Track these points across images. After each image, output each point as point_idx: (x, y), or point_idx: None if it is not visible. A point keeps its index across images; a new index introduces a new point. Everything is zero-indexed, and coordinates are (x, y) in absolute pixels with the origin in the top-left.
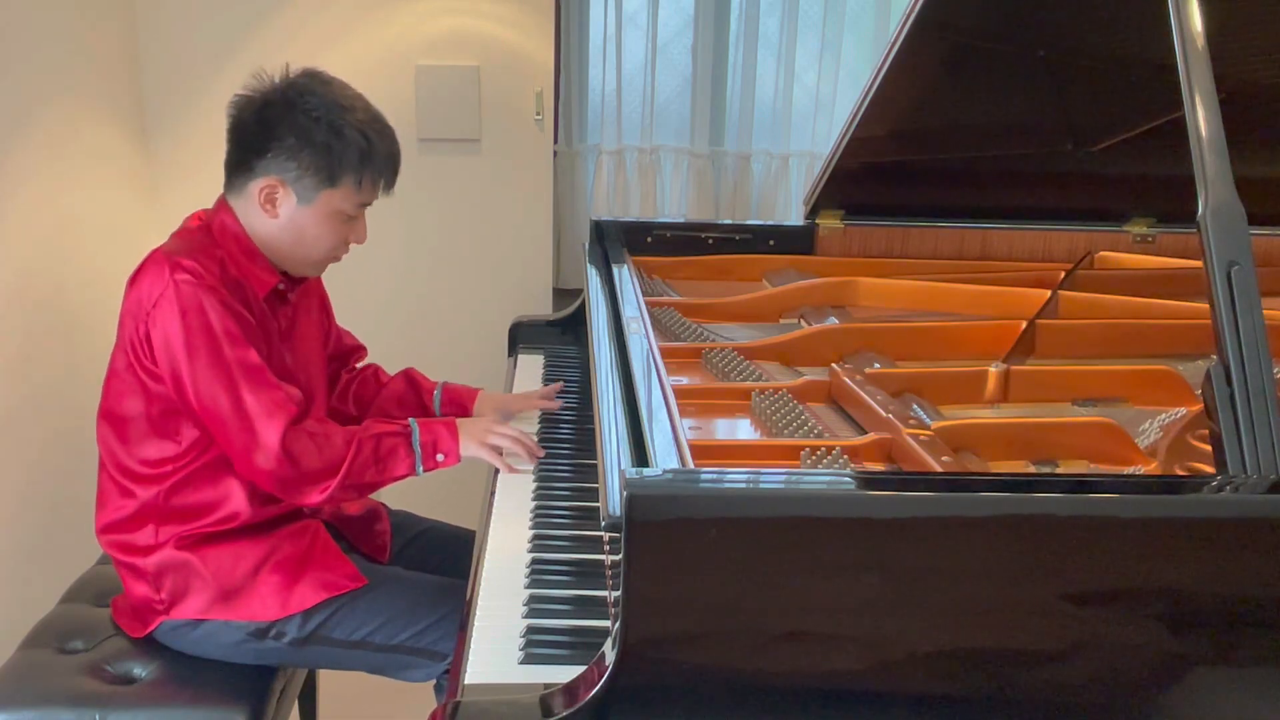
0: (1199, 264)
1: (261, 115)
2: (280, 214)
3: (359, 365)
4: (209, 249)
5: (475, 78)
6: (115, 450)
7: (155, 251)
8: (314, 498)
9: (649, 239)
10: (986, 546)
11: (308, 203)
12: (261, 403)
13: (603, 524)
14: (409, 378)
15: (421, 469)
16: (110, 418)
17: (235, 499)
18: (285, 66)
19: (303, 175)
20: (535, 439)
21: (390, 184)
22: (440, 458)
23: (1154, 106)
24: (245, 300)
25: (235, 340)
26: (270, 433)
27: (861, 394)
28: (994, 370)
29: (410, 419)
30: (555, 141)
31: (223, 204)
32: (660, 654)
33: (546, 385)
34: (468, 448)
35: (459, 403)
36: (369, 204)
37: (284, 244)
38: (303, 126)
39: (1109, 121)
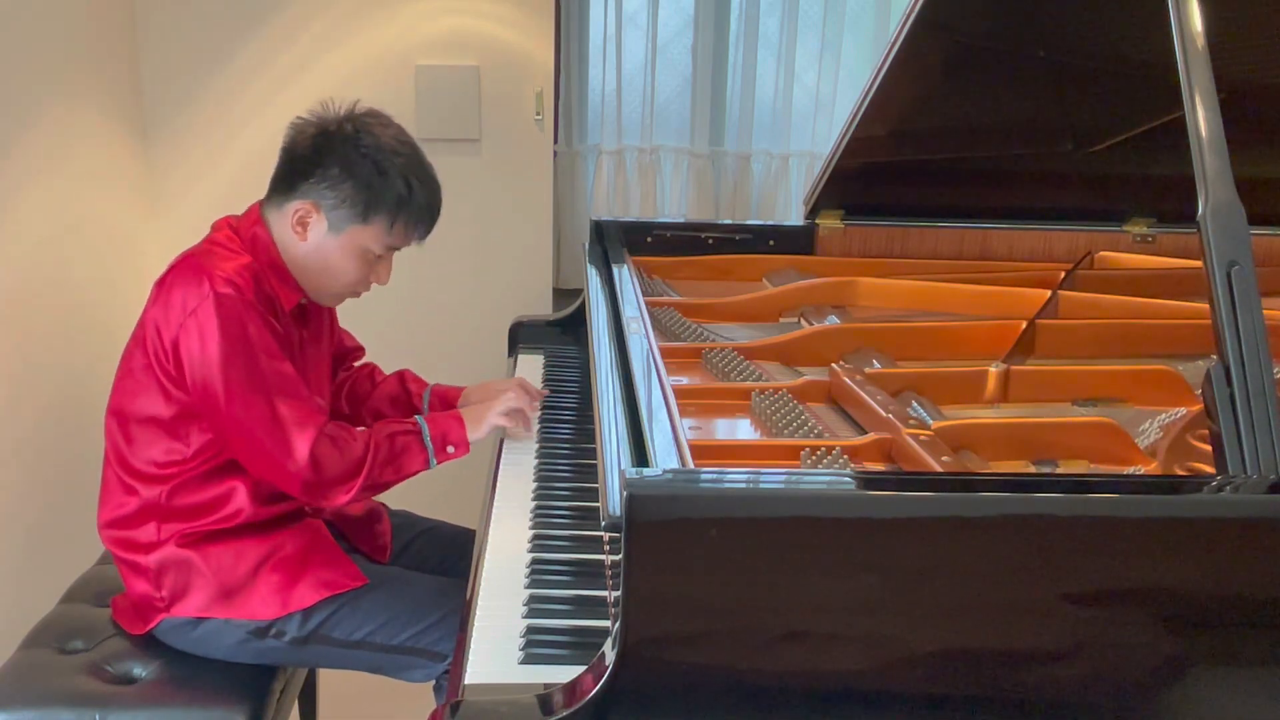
0: (1199, 264)
1: (316, 142)
2: (309, 238)
3: (355, 365)
4: (244, 261)
5: (475, 78)
6: (121, 448)
7: (190, 258)
8: (340, 499)
9: (649, 239)
10: (986, 546)
11: (337, 233)
12: (295, 413)
13: (603, 524)
14: (402, 379)
15: (435, 462)
16: (120, 415)
17: (238, 498)
18: (354, 103)
19: (338, 206)
20: (535, 450)
21: (424, 234)
22: (450, 450)
23: (1154, 106)
24: (276, 314)
25: (272, 353)
26: (302, 442)
27: (861, 394)
28: (994, 370)
29: (418, 416)
30: (555, 141)
31: (257, 215)
32: (660, 654)
33: (546, 385)
34: (475, 432)
35: (447, 403)
36: (398, 249)
37: (309, 269)
38: (350, 160)
39: (1109, 121)
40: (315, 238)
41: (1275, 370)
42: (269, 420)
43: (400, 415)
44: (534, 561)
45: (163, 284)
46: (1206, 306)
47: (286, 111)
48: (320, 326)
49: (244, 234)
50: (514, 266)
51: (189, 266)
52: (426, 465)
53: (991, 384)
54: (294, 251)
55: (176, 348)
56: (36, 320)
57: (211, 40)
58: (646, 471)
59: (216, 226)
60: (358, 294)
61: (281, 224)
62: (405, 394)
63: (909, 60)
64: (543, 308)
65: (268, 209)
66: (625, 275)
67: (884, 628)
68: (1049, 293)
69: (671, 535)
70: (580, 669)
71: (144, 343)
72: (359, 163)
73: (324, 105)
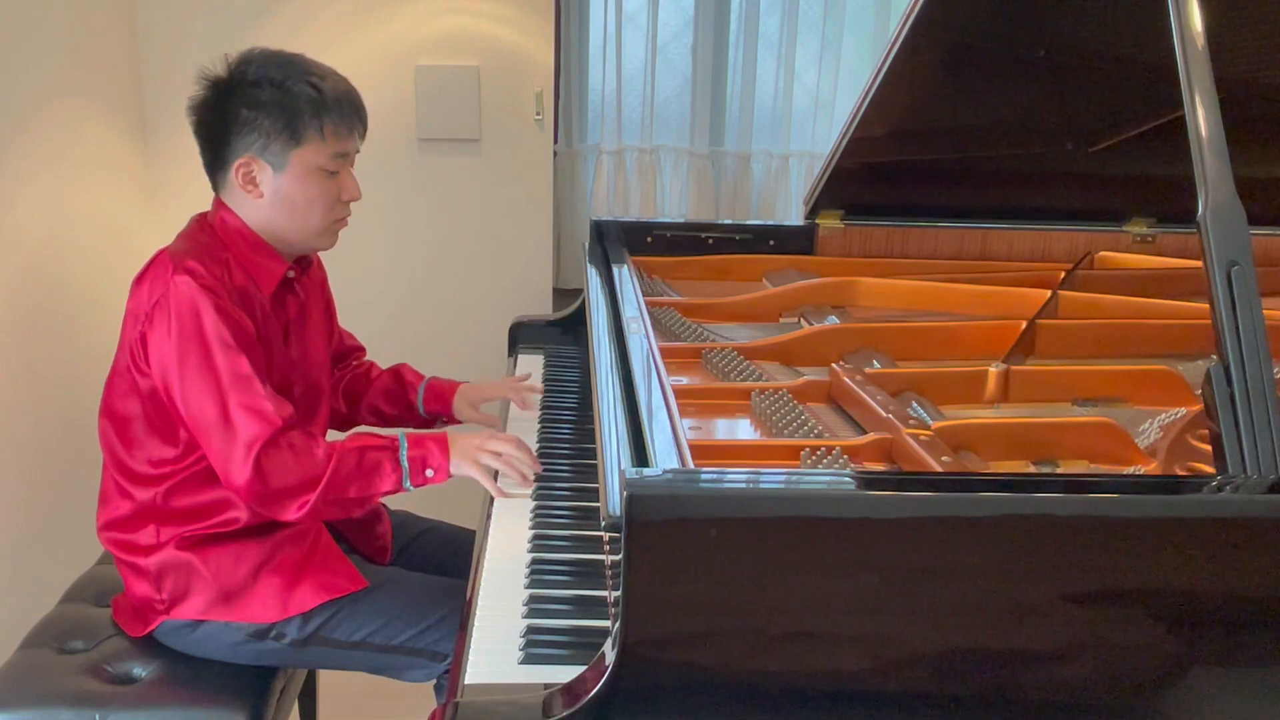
0: (1199, 264)
1: (209, 103)
2: (263, 190)
3: (355, 364)
4: (214, 250)
5: (475, 78)
6: (115, 449)
7: (161, 252)
8: (291, 514)
9: (649, 239)
10: (986, 546)
11: (282, 169)
12: (243, 414)
13: (603, 524)
14: (396, 373)
15: (410, 484)
16: (111, 416)
17: (235, 504)
18: (224, 56)
19: (268, 143)
20: (534, 450)
21: (359, 127)
22: (429, 473)
23: (1154, 106)
24: (248, 303)
25: (227, 346)
26: (245, 445)
27: (861, 394)
28: (994, 370)
29: (401, 432)
30: (555, 141)
31: (219, 203)
32: (660, 654)
33: (546, 385)
34: (459, 465)
35: (441, 396)
36: (346, 154)
37: (280, 221)
38: (250, 96)
39: (1109, 121)
40: (267, 185)
41: (1275, 370)
42: (218, 419)
43: (397, 409)
44: (534, 561)
45: (138, 279)
46: (1206, 306)
47: None
48: (314, 314)
49: (215, 223)
50: (514, 266)
51: (158, 260)
52: (399, 486)
53: (991, 384)
54: (259, 215)
55: (144, 342)
56: (36, 319)
57: (211, 40)
58: (646, 471)
59: (191, 221)
60: (343, 221)
61: (235, 196)
62: (400, 388)
63: (909, 60)
64: (543, 308)
65: (220, 192)
66: (625, 275)
67: (884, 628)
68: (1049, 293)
69: (671, 535)
70: (580, 669)
71: (124, 342)
72: (255, 91)
73: (201, 75)
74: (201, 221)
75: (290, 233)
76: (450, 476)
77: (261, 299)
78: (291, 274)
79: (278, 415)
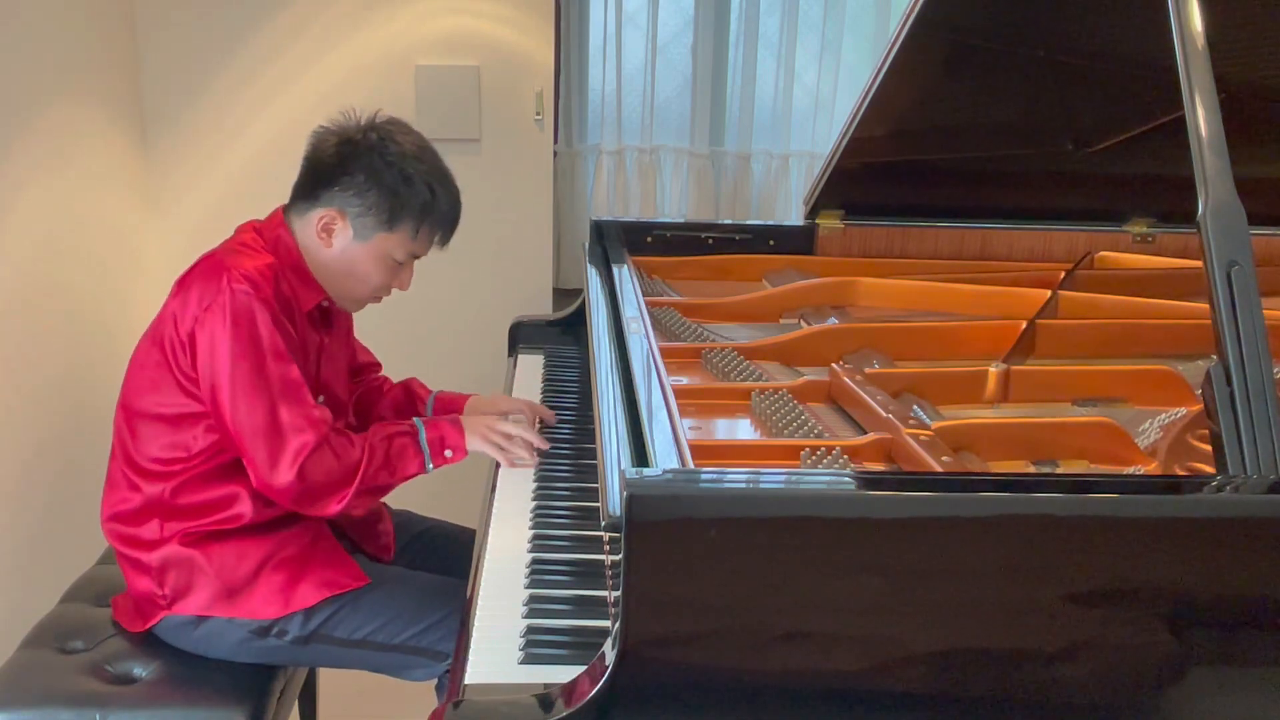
0: (1199, 264)
1: (340, 150)
2: (334, 245)
3: (369, 378)
4: (266, 261)
5: (475, 78)
6: (127, 443)
7: (212, 256)
8: (332, 508)
9: (649, 239)
10: (986, 546)
11: (363, 240)
12: (294, 420)
13: (603, 524)
14: (407, 387)
15: (431, 465)
16: (128, 410)
17: (241, 501)
18: (375, 112)
19: (364, 214)
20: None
21: (445, 239)
22: (448, 454)
23: (1154, 106)
24: (292, 315)
25: (280, 355)
26: (294, 451)
27: (861, 394)
28: (994, 370)
29: (415, 419)
30: (555, 141)
31: (280, 219)
32: (660, 654)
33: (546, 385)
34: (473, 442)
35: (450, 409)
36: (419, 255)
37: (334, 274)
38: (375, 168)
39: (1109, 121)
40: (340, 244)
41: (1275, 370)
42: (267, 425)
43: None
44: (534, 561)
45: (184, 281)
46: (1206, 306)
47: (287, 111)
48: (342, 330)
49: (267, 236)
50: (514, 266)
51: (210, 263)
52: (423, 468)
53: (991, 384)
54: (319, 257)
55: (193, 342)
56: (37, 320)
57: (211, 40)
58: (646, 471)
59: (241, 229)
60: (378, 299)
61: (306, 230)
62: (410, 401)
63: (909, 60)
64: (543, 308)
65: (291, 215)
66: (625, 275)
67: (884, 628)
68: (1049, 293)
69: (671, 535)
70: (580, 669)
71: (160, 338)
72: (384, 170)
73: (344, 114)
74: (254, 230)
75: (331, 286)
76: (467, 454)
77: (301, 314)
78: (326, 303)
79: (323, 421)
